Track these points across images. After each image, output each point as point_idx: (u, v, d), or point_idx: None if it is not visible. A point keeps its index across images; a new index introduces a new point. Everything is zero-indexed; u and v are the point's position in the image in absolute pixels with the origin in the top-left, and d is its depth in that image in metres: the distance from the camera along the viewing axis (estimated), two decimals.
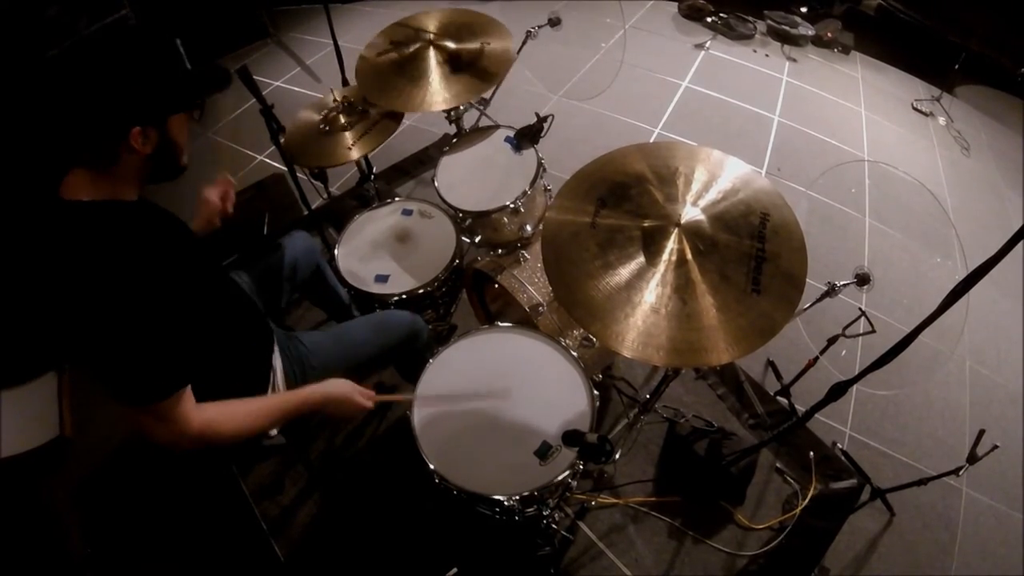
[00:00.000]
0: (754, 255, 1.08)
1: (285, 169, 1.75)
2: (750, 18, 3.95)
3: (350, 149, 1.64)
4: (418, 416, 1.26)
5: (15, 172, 1.36)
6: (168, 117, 0.96)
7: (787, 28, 3.84)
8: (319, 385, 1.16)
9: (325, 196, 2.25)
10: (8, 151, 1.43)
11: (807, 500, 1.73)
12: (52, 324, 0.93)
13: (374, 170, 2.38)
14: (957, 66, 3.56)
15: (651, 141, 2.96)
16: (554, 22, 2.03)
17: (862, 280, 1.42)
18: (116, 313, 0.87)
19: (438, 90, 1.68)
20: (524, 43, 2.00)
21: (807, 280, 1.06)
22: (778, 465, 1.83)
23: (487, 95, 2.11)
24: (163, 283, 0.92)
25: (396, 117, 1.72)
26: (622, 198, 1.18)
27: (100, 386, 0.93)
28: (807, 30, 3.87)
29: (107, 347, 0.89)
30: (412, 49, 1.76)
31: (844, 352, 1.81)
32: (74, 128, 0.89)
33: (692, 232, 1.10)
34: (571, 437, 0.98)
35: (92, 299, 0.87)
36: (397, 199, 1.87)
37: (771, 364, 2.11)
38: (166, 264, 0.94)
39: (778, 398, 2.00)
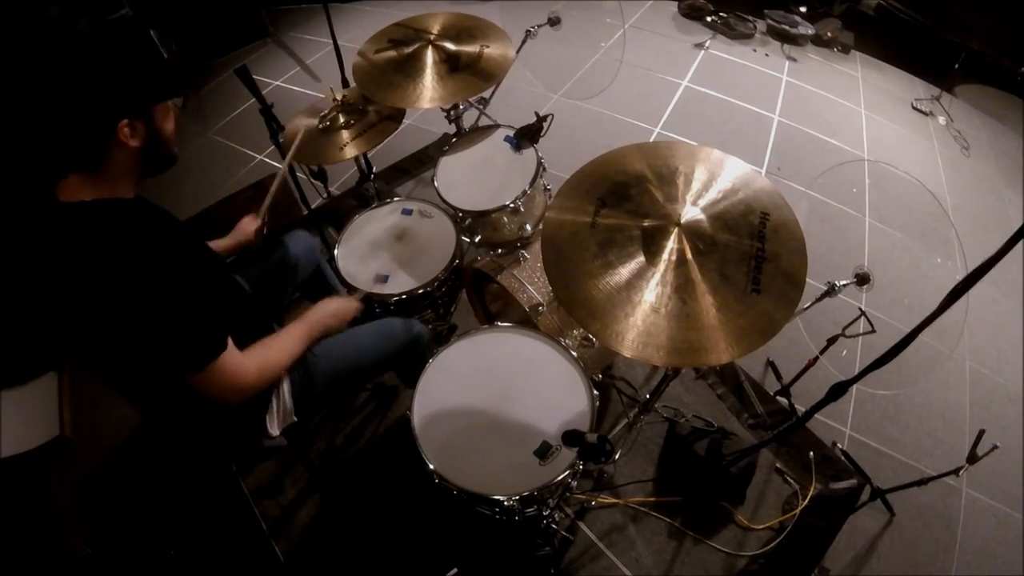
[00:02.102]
0: (754, 255, 1.08)
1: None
2: (750, 17, 3.95)
3: (341, 150, 1.63)
4: (418, 416, 1.26)
5: (10, 176, 1.37)
6: (152, 108, 0.96)
7: (787, 27, 3.84)
8: (317, 309, 1.32)
9: (325, 196, 2.25)
10: (4, 153, 1.43)
11: (807, 500, 1.73)
12: (70, 326, 0.94)
13: (374, 170, 2.38)
14: (957, 65, 3.56)
15: (651, 140, 2.96)
16: (554, 21, 2.02)
17: (862, 280, 1.42)
18: (142, 293, 0.89)
19: (434, 87, 1.68)
20: (524, 42, 2.00)
21: (807, 280, 1.05)
22: (778, 465, 1.83)
23: (487, 95, 2.11)
24: (177, 256, 0.94)
25: (395, 117, 1.72)
26: (622, 197, 1.18)
27: (144, 372, 0.97)
28: (807, 29, 3.87)
29: (144, 329, 0.91)
30: (411, 49, 1.77)
31: (844, 352, 1.81)
32: (62, 128, 0.88)
33: (692, 232, 1.10)
34: (571, 437, 0.98)
35: (110, 289, 0.88)
36: (397, 199, 1.86)
37: (771, 364, 2.11)
38: (174, 242, 0.96)
39: (778, 398, 2.00)
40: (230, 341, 1.03)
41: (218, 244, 1.43)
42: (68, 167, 0.93)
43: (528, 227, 1.72)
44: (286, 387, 1.27)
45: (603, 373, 1.92)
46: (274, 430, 1.27)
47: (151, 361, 0.97)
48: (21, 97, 0.85)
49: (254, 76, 1.43)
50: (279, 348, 1.17)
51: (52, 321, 0.96)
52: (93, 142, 0.91)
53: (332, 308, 1.34)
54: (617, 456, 1.78)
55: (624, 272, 1.08)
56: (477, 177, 1.75)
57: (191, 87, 1.07)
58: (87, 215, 0.91)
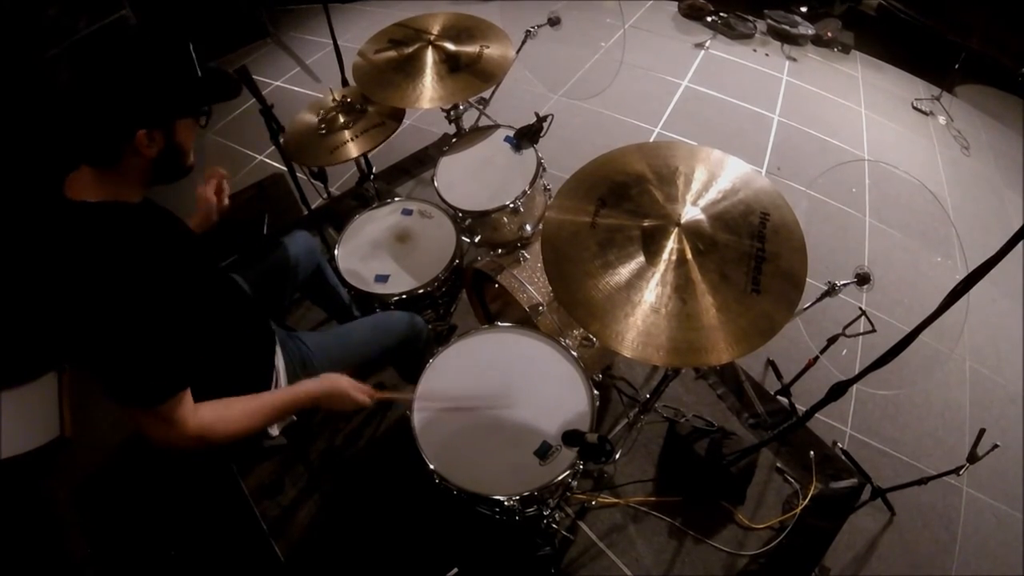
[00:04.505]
0: (754, 255, 1.08)
1: (285, 169, 1.75)
2: (750, 17, 3.95)
3: (334, 151, 1.63)
4: (418, 416, 1.26)
5: (21, 169, 1.36)
6: (175, 122, 0.95)
7: (787, 27, 3.84)
8: (314, 380, 1.16)
9: (325, 196, 2.25)
10: (15, 149, 1.43)
11: (807, 500, 1.73)
12: (53, 324, 0.94)
13: (374, 170, 2.38)
14: (957, 65, 3.56)
15: (651, 140, 2.96)
16: (554, 22, 2.02)
17: (862, 279, 1.42)
18: (116, 315, 0.87)
19: (434, 87, 1.68)
20: (524, 43, 2.00)
21: (807, 280, 1.06)
22: (778, 465, 1.83)
23: (486, 95, 2.11)
24: (164, 286, 0.92)
25: (396, 116, 1.72)
26: (622, 198, 1.18)
27: (99, 385, 0.93)
28: (807, 29, 3.87)
29: (106, 348, 0.89)
30: (411, 49, 1.77)
31: (844, 351, 1.82)
32: (80, 127, 0.89)
33: (692, 232, 1.10)
34: (571, 437, 0.98)
35: (93, 300, 0.87)
36: (397, 199, 1.87)
37: (771, 364, 2.11)
38: (167, 267, 0.94)
39: (778, 398, 2.00)
40: (187, 393, 0.96)
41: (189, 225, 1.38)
42: (81, 159, 0.93)
43: (528, 227, 1.72)
44: (284, 385, 1.27)
45: (603, 373, 1.92)
46: (274, 430, 1.27)
47: (106, 381, 0.92)
48: (35, 91, 0.85)
49: (254, 76, 1.42)
50: (239, 415, 1.04)
51: (45, 320, 0.95)
52: (109, 142, 0.90)
53: (329, 386, 1.16)
54: (617, 456, 1.78)
55: (624, 272, 1.08)
56: (477, 177, 1.75)
57: (214, 104, 1.05)
58: (87, 217, 0.91)
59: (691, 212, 1.13)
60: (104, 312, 0.87)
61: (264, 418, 1.08)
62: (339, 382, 1.18)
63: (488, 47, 1.76)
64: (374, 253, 1.71)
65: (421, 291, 1.61)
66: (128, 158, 0.92)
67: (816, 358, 1.83)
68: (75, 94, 0.87)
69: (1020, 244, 0.88)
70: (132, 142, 0.90)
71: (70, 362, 0.97)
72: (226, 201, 1.37)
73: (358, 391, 1.20)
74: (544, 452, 1.19)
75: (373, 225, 1.80)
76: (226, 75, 1.04)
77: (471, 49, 1.76)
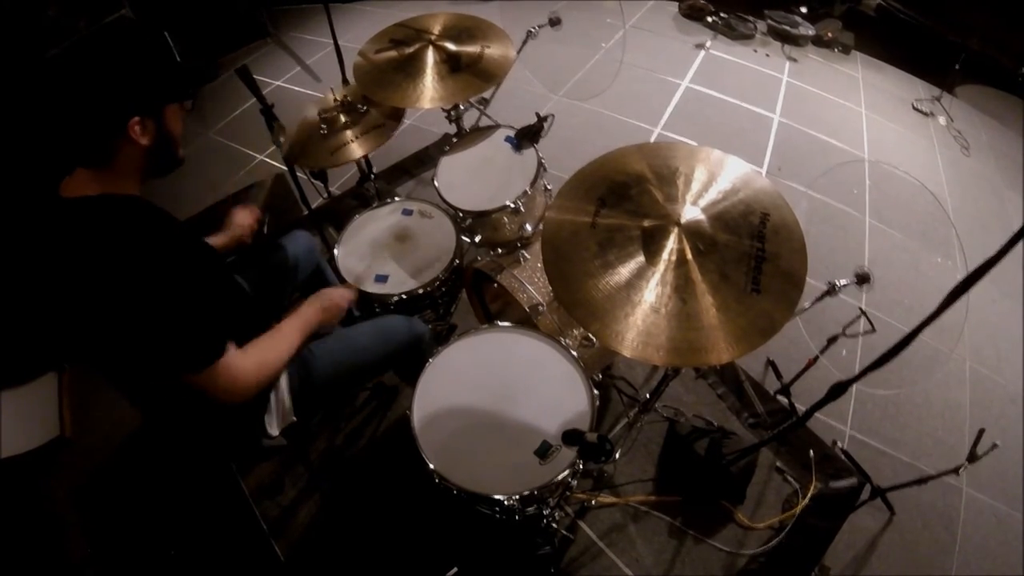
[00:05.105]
0: (754, 255, 1.08)
1: (285, 169, 1.75)
2: (750, 18, 3.95)
3: (335, 152, 1.64)
4: (418, 416, 1.26)
5: (19, 171, 1.37)
6: (164, 108, 0.99)
7: (787, 28, 3.84)
8: (311, 302, 1.30)
9: (325, 196, 2.25)
10: (10, 150, 1.44)
11: (807, 499, 1.73)
12: (72, 324, 0.95)
13: (374, 170, 2.39)
14: (957, 66, 3.56)
15: (651, 141, 2.96)
16: (554, 22, 2.02)
17: (862, 279, 1.42)
18: (145, 289, 0.89)
19: (435, 87, 1.68)
20: (524, 43, 2.00)
21: (807, 279, 1.06)
22: (778, 464, 1.84)
23: (487, 95, 2.11)
24: (180, 255, 0.95)
25: (396, 117, 1.72)
26: (622, 198, 1.18)
27: (143, 371, 0.97)
28: (807, 30, 3.87)
29: (145, 326, 0.91)
30: (412, 49, 1.77)
31: (844, 351, 1.81)
32: (75, 122, 0.91)
33: (692, 232, 1.10)
34: (571, 436, 0.98)
35: (116, 282, 0.88)
36: (397, 199, 1.86)
37: (771, 363, 2.11)
38: (177, 240, 0.97)
39: (778, 397, 2.00)
40: (231, 343, 1.02)
41: (214, 241, 1.43)
42: (77, 162, 0.95)
43: (528, 227, 1.72)
44: (284, 387, 1.27)
45: (603, 373, 1.92)
46: (273, 430, 1.27)
47: (151, 360, 0.97)
48: (33, 93, 0.87)
49: (254, 76, 1.42)
50: (276, 347, 1.15)
51: (53, 319, 0.96)
52: (104, 137, 0.92)
53: (325, 300, 1.33)
54: (617, 456, 1.78)
55: (624, 272, 1.08)
56: (477, 177, 1.75)
57: (199, 90, 1.08)
58: (92, 209, 0.92)
59: (691, 212, 1.13)
60: (128, 290, 0.88)
61: (293, 341, 1.18)
62: (322, 295, 1.33)
63: (489, 47, 1.76)
64: (374, 253, 1.71)
65: (421, 291, 1.61)
66: (122, 151, 0.94)
67: (816, 358, 1.83)
68: (68, 92, 0.88)
69: (1020, 244, 0.88)
70: (126, 133, 0.92)
71: (95, 361, 0.99)
72: (249, 241, 1.49)
73: (344, 299, 1.37)
74: (544, 452, 1.19)
75: (373, 225, 1.80)
76: (203, 59, 1.10)
77: (472, 49, 1.76)
